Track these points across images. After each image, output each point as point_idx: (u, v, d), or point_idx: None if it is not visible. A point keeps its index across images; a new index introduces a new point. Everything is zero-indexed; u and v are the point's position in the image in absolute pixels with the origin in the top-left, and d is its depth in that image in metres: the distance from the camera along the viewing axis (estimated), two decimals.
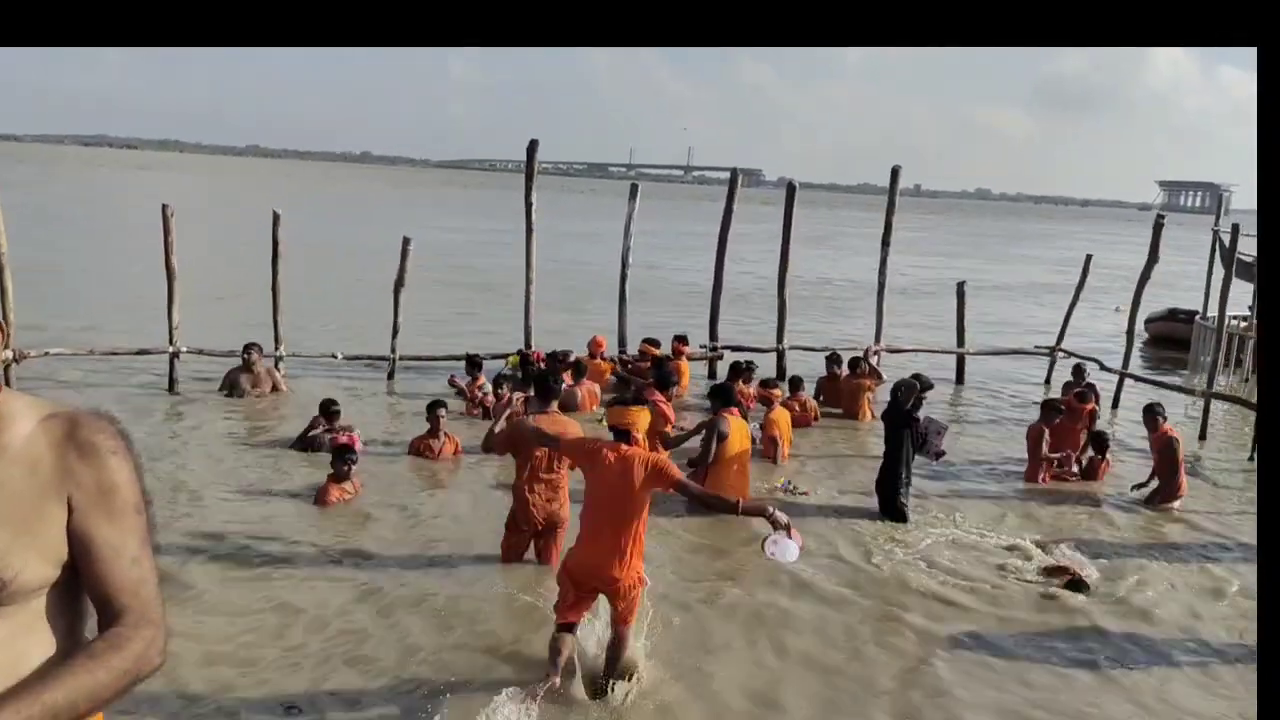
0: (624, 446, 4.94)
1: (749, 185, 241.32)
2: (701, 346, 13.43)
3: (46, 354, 11.05)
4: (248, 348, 11.24)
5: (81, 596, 1.81)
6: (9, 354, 10.36)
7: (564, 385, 11.51)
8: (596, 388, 11.59)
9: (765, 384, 10.42)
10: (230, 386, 11.13)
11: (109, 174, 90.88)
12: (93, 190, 61.24)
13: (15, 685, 1.60)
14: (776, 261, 13.59)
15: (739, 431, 8.21)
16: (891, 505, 8.13)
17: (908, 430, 8.18)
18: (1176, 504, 8.99)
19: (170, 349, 11.43)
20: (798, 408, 11.04)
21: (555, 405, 6.54)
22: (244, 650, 5.28)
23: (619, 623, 5.01)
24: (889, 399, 8.50)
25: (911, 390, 8.31)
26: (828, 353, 12.89)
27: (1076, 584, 6.86)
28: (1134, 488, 9.30)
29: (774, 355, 13.46)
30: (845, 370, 12.35)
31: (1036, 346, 15.41)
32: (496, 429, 6.28)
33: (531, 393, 7.07)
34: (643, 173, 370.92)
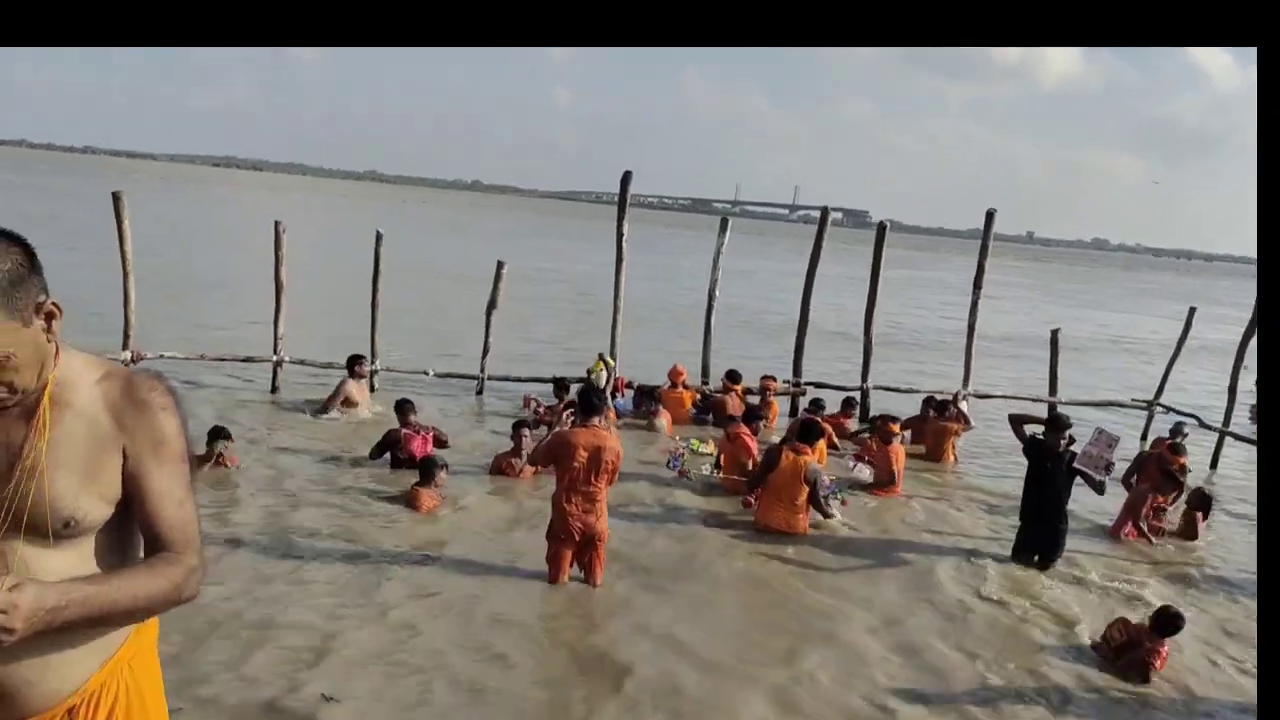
0: None
1: (853, 225, 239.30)
2: (785, 381, 13.44)
3: (161, 356, 11.74)
4: (356, 359, 11.47)
5: (129, 533, 2.06)
6: (127, 354, 11.08)
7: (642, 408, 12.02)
8: (667, 415, 12.02)
9: (810, 412, 10.59)
10: (337, 397, 11.11)
11: (234, 191, 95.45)
12: (219, 206, 64.46)
13: (80, 578, 1.87)
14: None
15: (791, 465, 8.37)
16: (1020, 548, 8.16)
17: (1043, 462, 8.02)
18: None
19: (274, 357, 12.04)
20: (875, 446, 11.01)
21: (598, 420, 6.70)
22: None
23: None
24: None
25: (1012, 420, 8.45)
26: (925, 396, 12.77)
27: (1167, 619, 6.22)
28: None
29: (858, 394, 13.41)
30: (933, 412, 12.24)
31: (1134, 399, 14.91)
32: (542, 444, 6.85)
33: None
34: (747, 209, 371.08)
